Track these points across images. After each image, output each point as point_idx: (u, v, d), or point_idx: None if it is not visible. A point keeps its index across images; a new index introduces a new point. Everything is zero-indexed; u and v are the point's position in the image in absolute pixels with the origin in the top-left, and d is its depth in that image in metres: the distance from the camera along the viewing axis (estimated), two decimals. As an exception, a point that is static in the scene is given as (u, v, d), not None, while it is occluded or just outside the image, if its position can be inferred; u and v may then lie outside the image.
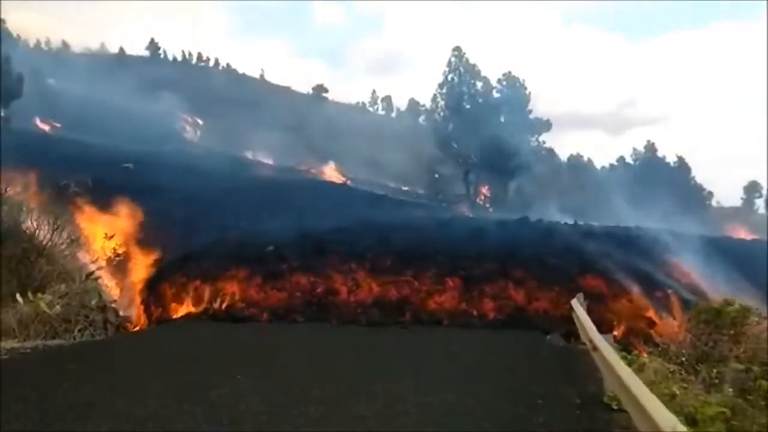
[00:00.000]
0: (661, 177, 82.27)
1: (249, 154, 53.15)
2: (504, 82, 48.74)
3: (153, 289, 14.77)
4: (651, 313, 14.01)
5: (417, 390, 8.30)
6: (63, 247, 15.95)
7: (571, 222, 25.19)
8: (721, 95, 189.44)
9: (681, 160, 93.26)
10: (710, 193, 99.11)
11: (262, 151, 55.64)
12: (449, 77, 47.34)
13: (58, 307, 13.48)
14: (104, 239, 17.06)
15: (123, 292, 15.78)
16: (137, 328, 14.28)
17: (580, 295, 12.70)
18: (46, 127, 49.96)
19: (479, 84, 47.73)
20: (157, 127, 55.81)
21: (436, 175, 48.02)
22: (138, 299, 14.84)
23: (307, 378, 9.00)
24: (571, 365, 10.41)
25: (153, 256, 16.83)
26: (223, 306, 14.15)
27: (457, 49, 47.23)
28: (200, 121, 67.39)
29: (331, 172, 50.86)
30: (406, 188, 53.13)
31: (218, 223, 20.59)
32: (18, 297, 13.45)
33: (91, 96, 61.05)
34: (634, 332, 13.22)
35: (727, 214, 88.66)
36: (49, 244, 15.90)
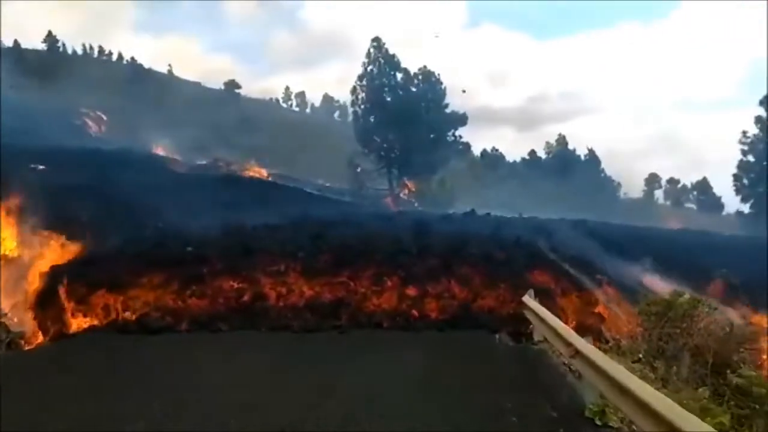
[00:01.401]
0: (573, 169, 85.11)
1: (160, 151, 50.36)
2: (420, 77, 48.31)
3: (50, 298, 12.85)
4: (600, 308, 13.44)
5: (358, 407, 7.20)
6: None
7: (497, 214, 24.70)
8: (625, 93, 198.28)
9: (592, 153, 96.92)
10: (619, 185, 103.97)
11: (175, 147, 52.98)
12: (369, 68, 46.29)
13: (-67, 325, 11.50)
14: (-9, 244, 14.91)
15: (16, 303, 13.74)
16: (32, 346, 12.36)
17: (531, 291, 11.93)
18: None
19: (399, 76, 46.90)
20: (58, 123, 52.19)
21: (359, 169, 46.84)
22: (31, 311, 12.89)
23: (233, 396, 7.75)
24: (532, 369, 9.55)
25: (52, 261, 14.80)
26: (134, 316, 12.47)
27: (377, 39, 46.26)
28: (104, 117, 63.47)
29: (251, 168, 48.72)
30: (328, 184, 51.72)
31: (130, 223, 18.64)
32: None
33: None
34: (584, 328, 12.53)
35: (633, 206, 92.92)
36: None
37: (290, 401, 7.76)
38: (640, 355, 11.05)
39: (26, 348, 12.31)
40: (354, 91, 46.15)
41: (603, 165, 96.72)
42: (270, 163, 53.56)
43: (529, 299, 11.54)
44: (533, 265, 14.68)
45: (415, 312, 13.37)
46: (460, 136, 53.09)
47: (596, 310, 13.43)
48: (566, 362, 9.96)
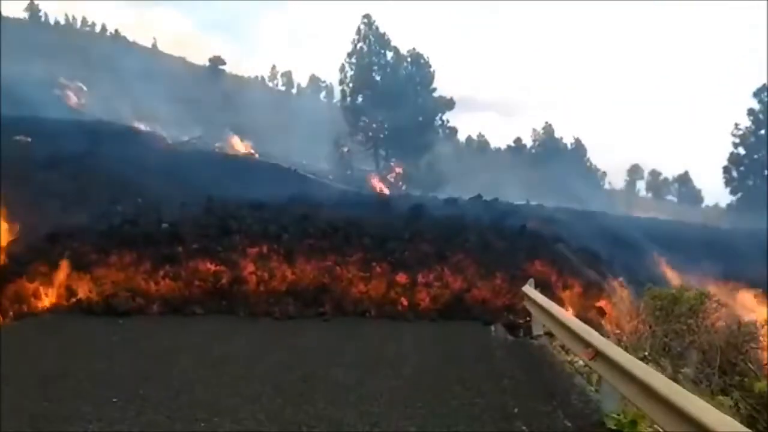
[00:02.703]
0: (558, 158, 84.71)
1: (141, 125, 48.83)
2: (409, 59, 47.28)
3: (10, 276, 11.82)
4: (602, 302, 12.69)
5: (340, 406, 6.37)
6: None
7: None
8: (608, 84, 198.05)
9: (578, 142, 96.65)
10: (604, 174, 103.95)
11: (157, 122, 51.49)
12: (359, 46, 45.05)
13: None
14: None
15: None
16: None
17: (532, 281, 11.13)
18: None
19: (389, 55, 45.70)
20: (36, 93, 50.53)
21: (345, 149, 45.69)
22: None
23: (201, 390, 6.91)
24: (535, 368, 8.74)
25: (14, 236, 13.74)
26: (101, 297, 11.50)
27: (367, 16, 45.00)
28: (84, 88, 61.71)
29: (234, 146, 47.36)
30: (314, 165, 50.55)
31: (103, 198, 17.57)
32: None
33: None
34: (585, 323, 11.74)
35: (615, 196, 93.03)
36: None
37: (265, 397, 6.91)
38: (646, 353, 10.31)
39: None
40: (342, 68, 45.03)
41: (588, 155, 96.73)
42: (254, 141, 52.23)
43: (529, 289, 10.74)
44: (532, 253, 13.86)
45: (404, 300, 12.54)
46: (447, 121, 52.35)
47: (599, 304, 12.68)
48: (570, 360, 9.22)
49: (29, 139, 25.51)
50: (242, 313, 11.68)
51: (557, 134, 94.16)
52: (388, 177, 43.84)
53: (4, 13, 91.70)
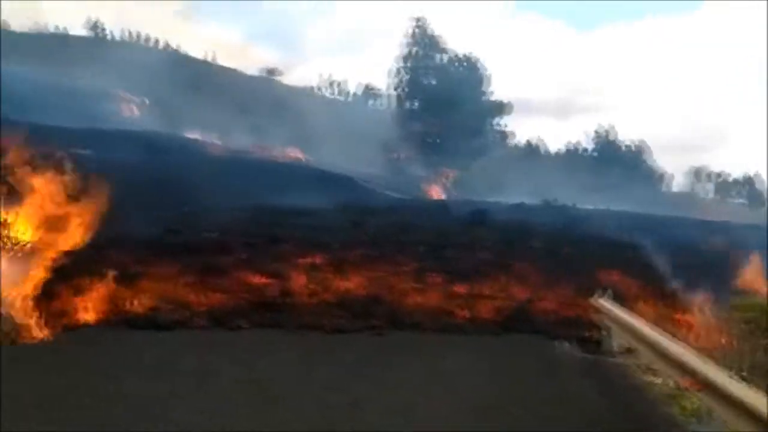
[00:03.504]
0: (616, 161, 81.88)
1: (196, 135, 49.37)
2: (464, 63, 46.29)
3: (54, 288, 11.46)
4: (684, 314, 11.47)
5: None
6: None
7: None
8: (671, 84, 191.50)
9: (640, 144, 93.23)
10: (662, 177, 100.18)
11: (210, 132, 51.98)
12: (412, 50, 44.25)
13: (-77, 315, 10.20)
14: (2, 226, 13.59)
15: (26, 294, 12.39)
16: (35, 340, 11.00)
17: (610, 291, 10.08)
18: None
19: (444, 58, 44.75)
20: (95, 105, 51.93)
21: (396, 155, 44.85)
22: (31, 303, 11.52)
23: (238, 416, 6.27)
24: (619, 395, 7.69)
25: (64, 247, 13.43)
26: (145, 309, 11.02)
27: (421, 19, 44.23)
28: (146, 101, 63.11)
29: (286, 153, 47.29)
30: (366, 171, 50.03)
31: (153, 207, 17.25)
32: None
33: (27, 75, 56.57)
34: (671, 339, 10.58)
35: (677, 199, 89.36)
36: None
37: (313, 418, 6.19)
38: (743, 373, 9.13)
39: (28, 342, 10.99)
40: (395, 73, 44.36)
41: (647, 157, 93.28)
42: (306, 149, 52.14)
43: (604, 300, 9.70)
44: (605, 261, 12.73)
45: (462, 312, 11.63)
46: (505, 125, 51.13)
47: (679, 317, 11.46)
48: (656, 382, 8.15)
49: (87, 152, 25.81)
50: (290, 327, 11.00)
51: (618, 136, 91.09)
52: (442, 182, 42.91)
53: (71, 32, 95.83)
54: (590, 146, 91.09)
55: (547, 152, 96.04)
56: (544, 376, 8.55)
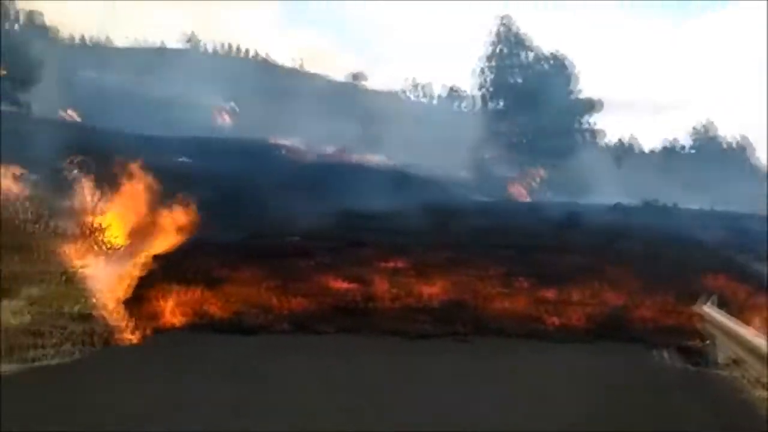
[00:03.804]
0: (718, 158, 77.15)
1: (283, 141, 50.49)
2: (551, 61, 44.94)
3: (144, 292, 11.80)
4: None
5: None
6: (47, 240, 13.17)
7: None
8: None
9: (742, 140, 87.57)
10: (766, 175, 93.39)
11: (299, 138, 53.04)
12: (498, 48, 43.33)
13: (27, 316, 10.68)
14: (97, 231, 14.20)
15: (118, 297, 12.84)
16: (126, 342, 11.33)
17: (714, 298, 9.28)
18: (76, 118, 48.03)
19: (530, 55, 43.57)
20: (191, 114, 54.34)
21: (484, 156, 44.00)
22: (123, 305, 11.89)
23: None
24: (726, 409, 7.00)
25: (154, 251, 13.88)
26: (229, 314, 11.13)
27: (506, 17, 43.32)
28: (236, 109, 65.33)
29: (371, 157, 47.49)
30: (452, 173, 49.53)
31: (240, 212, 17.60)
32: (-21, 305, 10.69)
33: (128, 87, 59.69)
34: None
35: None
36: (33, 238, 13.19)
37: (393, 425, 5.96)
38: None
39: (120, 344, 11.34)
40: (480, 72, 43.57)
41: (749, 154, 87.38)
42: (392, 152, 52.18)
43: (709, 308, 8.93)
44: (710, 265, 11.79)
45: (553, 319, 11.07)
46: (595, 123, 49.26)
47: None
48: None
49: (183, 159, 26.87)
50: (372, 332, 10.80)
51: (718, 132, 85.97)
52: (531, 183, 41.75)
53: (168, 45, 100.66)
54: (688, 143, 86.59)
55: (642, 150, 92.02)
56: (642, 388, 7.94)
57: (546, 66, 44.42)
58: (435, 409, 6.85)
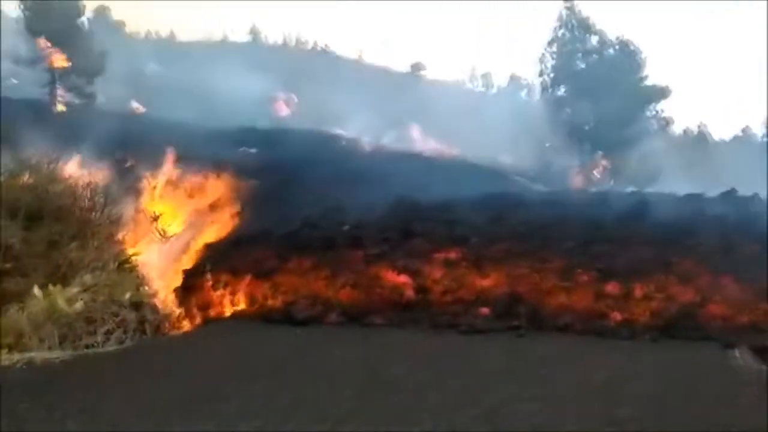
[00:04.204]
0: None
1: (342, 131, 50.52)
2: (617, 45, 43.05)
3: (197, 281, 11.77)
4: None
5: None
6: (103, 228, 13.36)
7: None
8: None
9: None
10: None
11: (356, 128, 53.02)
12: (560, 33, 41.77)
13: (80, 303, 10.79)
14: (152, 219, 14.34)
15: (169, 284, 12.93)
16: (178, 331, 11.36)
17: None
18: (140, 110, 49.30)
19: (594, 39, 41.82)
20: (252, 105, 55.17)
21: (547, 145, 42.61)
22: (174, 294, 11.92)
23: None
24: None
25: (208, 240, 13.89)
26: (280, 304, 10.97)
27: (569, 1, 41.68)
28: (295, 99, 65.89)
29: (430, 147, 46.86)
30: (512, 163, 48.45)
31: (295, 202, 17.46)
32: (36, 290, 10.87)
33: (190, 80, 61.01)
34: None
35: None
36: (90, 225, 13.40)
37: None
38: None
39: (171, 332, 11.37)
40: (542, 59, 42.14)
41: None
42: (451, 142, 51.48)
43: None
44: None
45: (616, 315, 10.43)
46: (662, 110, 47.07)
47: None
48: None
49: (253, 150, 27.16)
50: (424, 325, 10.43)
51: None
52: (594, 172, 40.22)
53: (231, 38, 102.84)
54: (762, 132, 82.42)
55: (712, 139, 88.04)
56: (713, 389, 7.29)
57: (611, 51, 42.71)
58: (486, 406, 6.46)
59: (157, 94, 52.37)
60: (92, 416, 6.22)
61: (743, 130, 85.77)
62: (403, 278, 11.31)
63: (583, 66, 40.67)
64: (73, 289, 11.09)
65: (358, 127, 53.04)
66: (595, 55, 41.23)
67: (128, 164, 17.91)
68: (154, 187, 16.79)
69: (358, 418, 6.18)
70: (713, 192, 18.22)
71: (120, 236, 13.36)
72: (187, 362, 8.82)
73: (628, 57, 42.70)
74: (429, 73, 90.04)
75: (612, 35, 43.49)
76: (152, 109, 47.31)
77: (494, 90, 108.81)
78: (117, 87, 46.76)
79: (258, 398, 6.79)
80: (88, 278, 11.36)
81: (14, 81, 38.90)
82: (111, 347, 10.12)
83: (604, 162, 40.77)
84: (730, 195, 16.54)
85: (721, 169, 56.28)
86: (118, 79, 45.85)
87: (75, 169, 16.63)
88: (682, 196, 16.90)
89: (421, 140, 51.19)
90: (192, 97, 52.20)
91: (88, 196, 13.84)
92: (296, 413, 6.29)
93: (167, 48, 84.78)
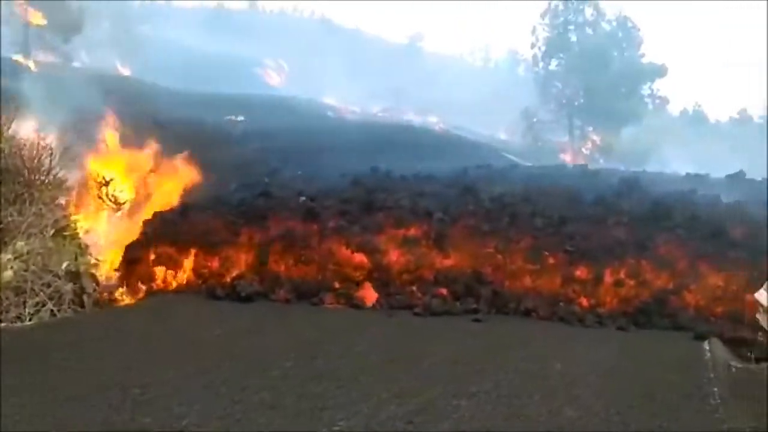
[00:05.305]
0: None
1: (332, 101, 49.50)
2: (614, 23, 41.88)
3: (140, 253, 10.95)
4: None
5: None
6: (45, 192, 12.45)
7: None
8: None
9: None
10: None
11: (349, 97, 52.09)
12: (553, 4, 40.46)
13: (8, 272, 9.99)
14: (101, 184, 13.46)
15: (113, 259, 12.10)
16: (118, 304, 10.59)
17: (771, 284, 7.76)
18: (126, 71, 48.04)
19: (589, 11, 40.56)
20: (242, 72, 54.27)
21: (535, 120, 41.46)
22: (116, 265, 11.11)
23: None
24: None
25: (156, 208, 13.00)
26: (226, 279, 10.21)
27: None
28: (285, 67, 64.73)
29: (424, 119, 45.94)
30: (503, 138, 47.50)
31: (262, 170, 16.62)
32: (-32, 258, 10.07)
33: (182, 44, 59.71)
34: None
35: None
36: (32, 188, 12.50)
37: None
38: None
39: (113, 305, 10.61)
40: (534, 30, 40.92)
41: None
42: (444, 115, 50.56)
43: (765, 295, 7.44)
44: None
45: (583, 300, 9.72)
46: (658, 89, 46.05)
47: None
48: None
49: (240, 119, 26.32)
50: (377, 305, 9.69)
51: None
52: (583, 149, 39.35)
53: (227, 5, 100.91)
54: (760, 113, 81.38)
55: (708, 119, 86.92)
56: (684, 384, 6.57)
57: (606, 26, 41.60)
58: (432, 396, 5.78)
59: (147, 58, 51.15)
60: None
61: (739, 113, 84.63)
62: (358, 256, 10.52)
63: (575, 39, 39.56)
64: (5, 257, 10.28)
65: (353, 97, 52.19)
66: (588, 29, 40.08)
67: (95, 126, 16.93)
68: (116, 152, 15.84)
69: (275, 410, 5.47)
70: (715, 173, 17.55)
71: (63, 201, 12.45)
72: (131, 335, 8.18)
73: (623, 32, 41.60)
74: (427, 45, 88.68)
75: (611, 12, 42.48)
76: (139, 72, 46.13)
77: (491, 64, 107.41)
78: (104, 49, 45.53)
79: (167, 386, 6.04)
80: (20, 245, 10.52)
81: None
82: (38, 321, 9.40)
83: (594, 137, 39.92)
84: (736, 176, 15.65)
85: (715, 149, 55.58)
86: (106, 41, 44.64)
87: (30, 130, 15.71)
88: (673, 174, 16.12)
89: (412, 112, 50.38)
90: (184, 62, 51.05)
91: (35, 157, 12.90)
92: (210, 399, 5.59)
93: (161, 12, 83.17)
